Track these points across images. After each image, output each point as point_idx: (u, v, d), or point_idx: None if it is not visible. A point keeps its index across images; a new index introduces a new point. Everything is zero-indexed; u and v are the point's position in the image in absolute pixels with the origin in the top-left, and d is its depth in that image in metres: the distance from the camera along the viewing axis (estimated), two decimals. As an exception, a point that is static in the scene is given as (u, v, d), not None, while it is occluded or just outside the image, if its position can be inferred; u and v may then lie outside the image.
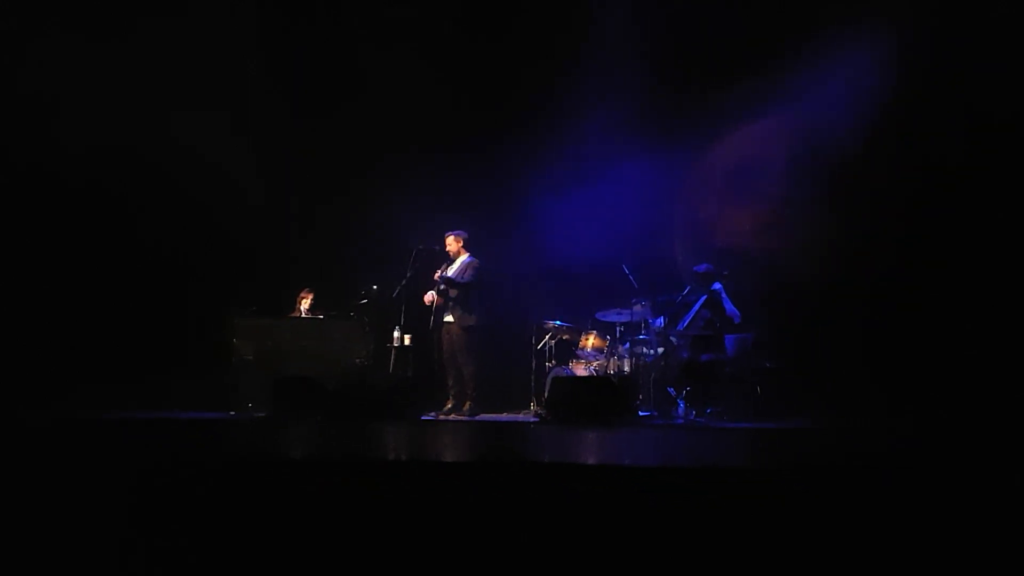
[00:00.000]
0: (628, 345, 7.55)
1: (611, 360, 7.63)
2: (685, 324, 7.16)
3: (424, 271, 7.89)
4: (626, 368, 7.50)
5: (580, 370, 7.73)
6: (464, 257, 7.80)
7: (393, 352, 7.95)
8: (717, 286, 6.97)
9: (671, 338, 7.29)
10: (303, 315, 8.38)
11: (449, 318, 7.69)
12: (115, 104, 7.97)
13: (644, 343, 7.54)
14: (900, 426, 5.92)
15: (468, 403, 7.58)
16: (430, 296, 7.75)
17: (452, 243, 7.82)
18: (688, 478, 2.28)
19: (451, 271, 7.74)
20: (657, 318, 7.32)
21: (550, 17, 8.31)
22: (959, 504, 2.12)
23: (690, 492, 2.13)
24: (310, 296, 8.46)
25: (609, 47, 8.12)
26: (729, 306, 6.95)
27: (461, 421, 7.18)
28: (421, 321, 7.87)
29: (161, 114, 8.06)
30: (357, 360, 8.04)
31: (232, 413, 7.62)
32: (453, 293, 7.66)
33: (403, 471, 2.43)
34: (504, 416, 7.68)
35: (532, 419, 7.18)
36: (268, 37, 8.36)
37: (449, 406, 7.64)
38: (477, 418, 7.38)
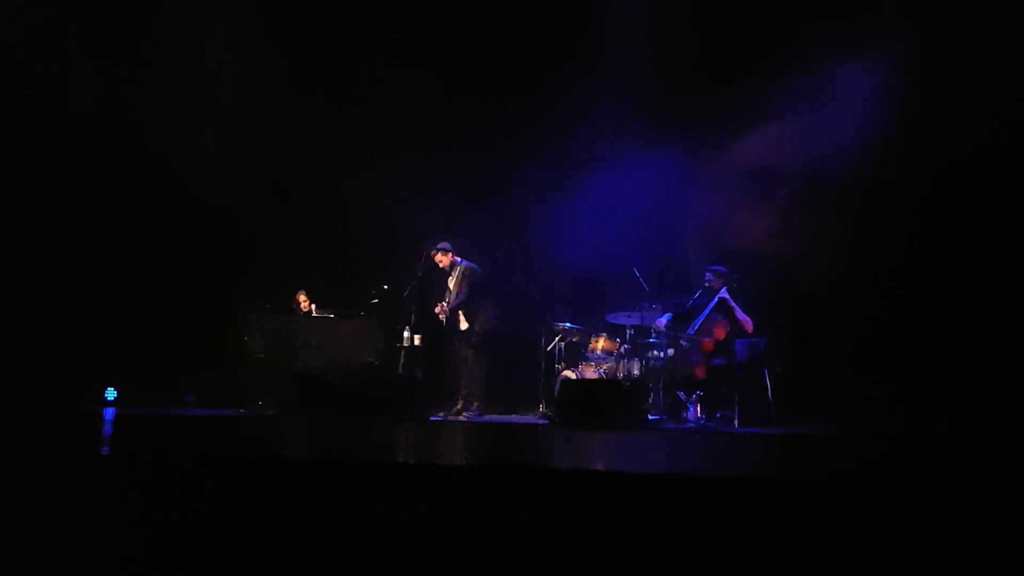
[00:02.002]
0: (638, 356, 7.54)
1: (621, 362, 7.61)
2: (696, 327, 7.11)
3: (435, 271, 7.90)
4: (636, 371, 7.47)
5: (589, 372, 7.70)
6: (458, 265, 7.77)
7: (403, 352, 7.96)
8: (723, 293, 6.91)
9: (681, 342, 7.26)
10: (313, 313, 8.40)
11: (460, 325, 7.70)
12: (121, 101, 8.03)
13: (654, 346, 7.51)
14: (911, 432, 5.87)
15: (476, 404, 7.58)
16: (440, 310, 7.74)
17: (441, 258, 7.80)
18: (695, 485, 2.26)
19: (450, 283, 7.74)
20: (664, 315, 7.27)
21: (561, 17, 8.29)
22: (968, 510, 2.10)
23: (696, 498, 2.12)
24: (303, 295, 8.48)
25: (621, 47, 8.09)
26: (740, 314, 6.89)
27: (469, 422, 7.17)
28: (431, 321, 7.88)
29: (167, 111, 8.11)
30: (367, 359, 8.05)
31: (242, 410, 7.65)
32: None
33: (410, 473, 2.42)
34: (513, 417, 7.67)
35: (541, 421, 7.17)
36: (278, 37, 8.39)
37: (458, 406, 7.64)
38: (485, 419, 7.38)
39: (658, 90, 7.97)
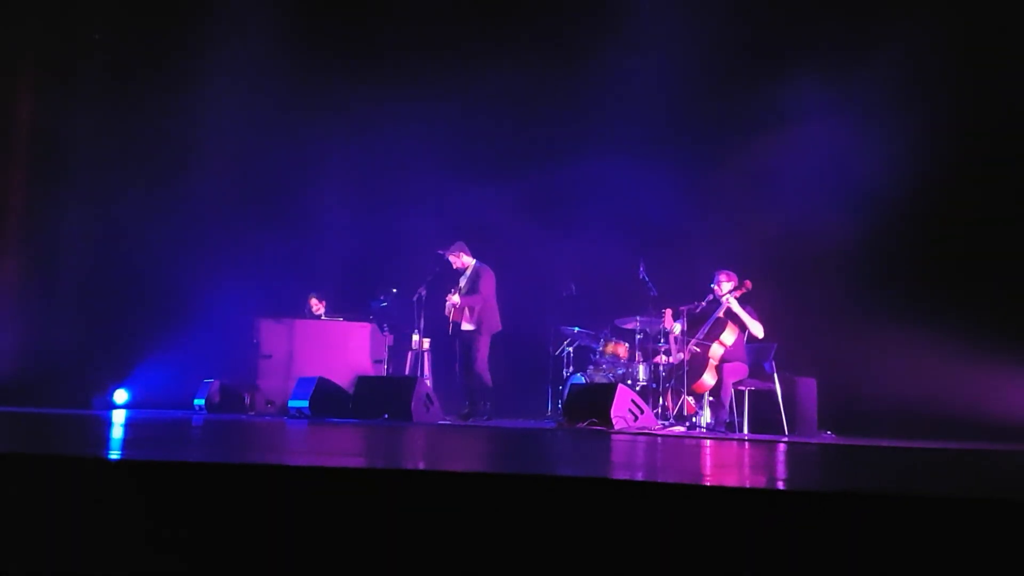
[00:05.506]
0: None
1: (630, 367, 7.58)
2: (705, 332, 7.07)
3: (444, 275, 7.88)
4: (645, 375, 7.45)
5: (599, 377, 7.68)
6: (472, 266, 7.70)
7: (411, 356, 7.95)
8: (733, 298, 6.86)
9: (691, 346, 7.22)
10: (323, 318, 8.43)
11: (466, 326, 7.63)
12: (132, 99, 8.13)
13: (665, 351, 7.49)
14: (921, 444, 5.83)
15: (485, 408, 7.55)
16: (449, 308, 7.66)
17: (455, 260, 7.71)
18: (703, 494, 2.24)
19: (461, 282, 7.66)
20: (675, 319, 7.25)
21: (569, 20, 8.29)
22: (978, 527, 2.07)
23: (703, 506, 2.10)
24: (315, 298, 8.52)
25: (633, 51, 8.08)
26: (751, 320, 6.84)
27: (478, 426, 7.16)
28: (440, 325, 7.86)
29: (176, 109, 8.19)
30: (375, 363, 8.06)
31: (252, 413, 7.68)
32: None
33: (417, 478, 2.41)
34: (521, 422, 7.66)
35: (549, 425, 7.15)
36: (290, 44, 8.43)
37: (467, 411, 7.62)
38: (494, 423, 7.36)
39: (669, 95, 7.95)
